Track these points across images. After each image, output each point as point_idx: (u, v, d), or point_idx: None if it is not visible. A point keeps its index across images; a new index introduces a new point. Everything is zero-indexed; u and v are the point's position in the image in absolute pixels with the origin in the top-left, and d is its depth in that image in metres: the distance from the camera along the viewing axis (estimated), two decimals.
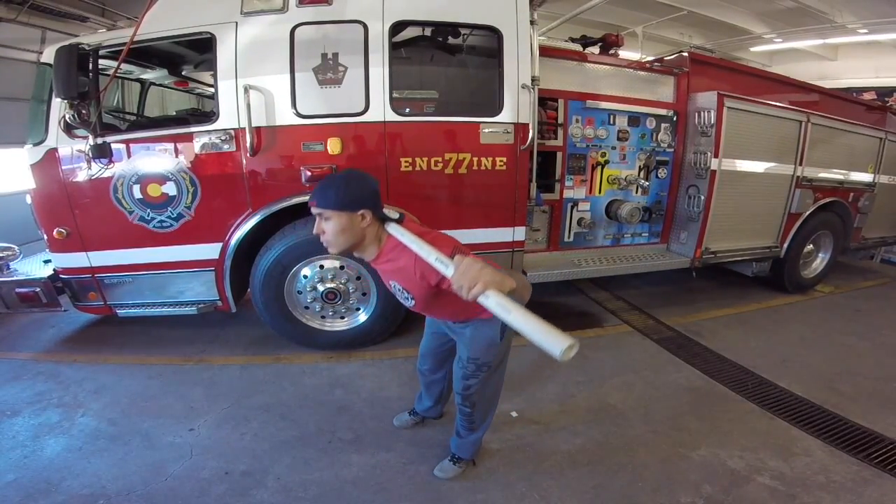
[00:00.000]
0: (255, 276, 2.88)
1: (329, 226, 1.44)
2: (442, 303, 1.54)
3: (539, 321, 1.04)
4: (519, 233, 3.09)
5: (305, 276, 2.91)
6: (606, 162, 3.57)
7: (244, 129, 2.61)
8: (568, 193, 3.51)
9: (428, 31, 3.10)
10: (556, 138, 3.35)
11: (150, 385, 2.72)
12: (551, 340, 0.99)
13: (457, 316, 1.70)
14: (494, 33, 2.81)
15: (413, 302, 1.56)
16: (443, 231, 1.62)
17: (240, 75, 2.61)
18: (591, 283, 4.47)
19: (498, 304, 1.10)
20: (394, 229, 1.48)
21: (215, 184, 2.73)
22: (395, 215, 1.53)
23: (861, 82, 10.91)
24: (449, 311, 1.66)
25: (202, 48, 3.07)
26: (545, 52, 3.14)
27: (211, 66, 2.67)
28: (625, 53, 4.42)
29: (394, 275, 1.54)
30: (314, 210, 1.46)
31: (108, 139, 2.63)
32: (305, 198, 2.74)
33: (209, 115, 2.76)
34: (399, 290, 1.57)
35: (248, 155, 2.67)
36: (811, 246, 4.47)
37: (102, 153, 2.60)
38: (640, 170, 3.69)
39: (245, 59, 2.61)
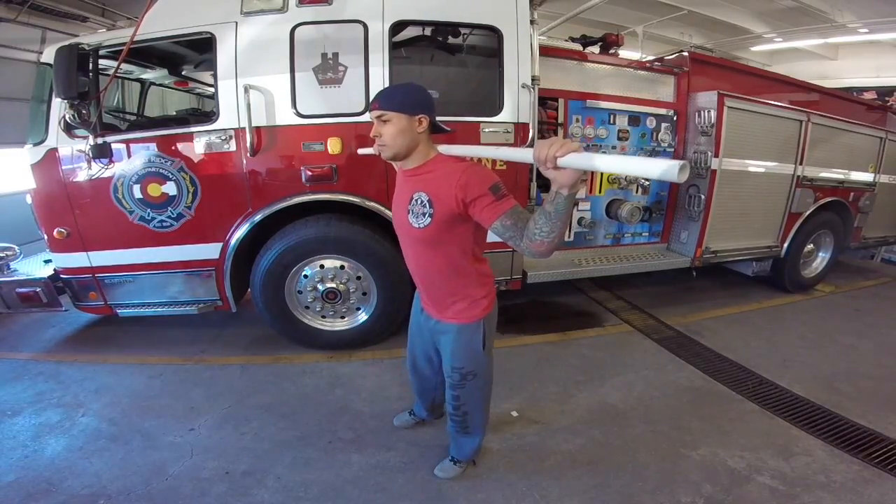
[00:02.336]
0: (255, 276, 2.87)
1: (388, 128, 1.47)
2: (449, 239, 1.52)
3: (634, 158, 0.99)
4: None
5: (306, 276, 2.91)
6: None
7: (244, 128, 2.61)
8: None
9: (428, 31, 3.10)
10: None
11: (151, 385, 2.72)
12: (660, 165, 0.88)
13: (446, 277, 1.62)
14: (494, 33, 2.81)
15: (429, 220, 1.47)
16: None
17: (240, 75, 2.61)
18: (591, 283, 4.47)
19: (582, 159, 1.02)
20: (450, 148, 1.55)
21: (215, 184, 2.73)
22: (447, 128, 1.59)
23: (861, 82, 10.90)
24: (446, 258, 1.58)
25: (202, 48, 3.07)
26: (545, 51, 3.14)
27: (211, 66, 2.67)
28: (625, 53, 4.41)
29: (427, 184, 1.49)
30: (374, 113, 1.49)
31: (109, 139, 2.63)
32: (305, 198, 2.78)
33: (209, 115, 2.76)
34: (422, 202, 1.48)
35: (248, 155, 2.67)
36: (811, 245, 4.46)
37: (102, 153, 2.60)
38: None
39: (245, 59, 2.61)
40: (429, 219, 1.48)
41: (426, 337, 1.87)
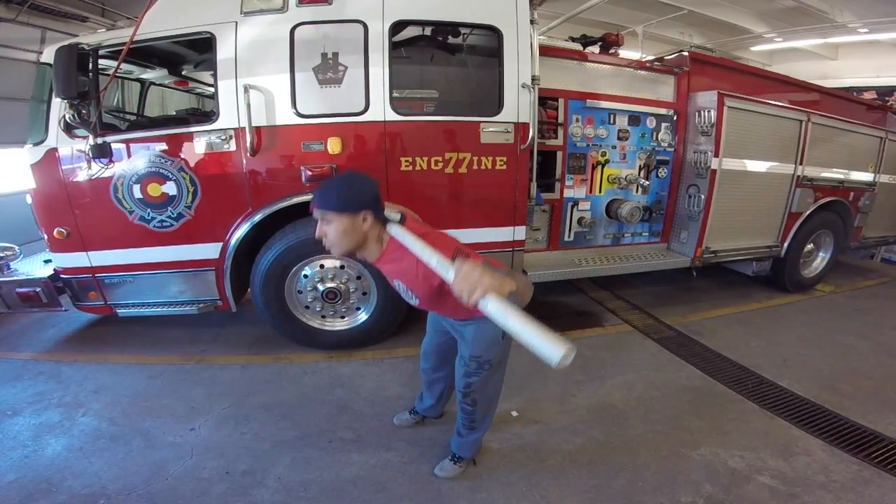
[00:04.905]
0: (255, 276, 2.87)
1: (331, 228, 1.45)
2: (446, 301, 1.54)
3: (537, 328, 1.04)
4: (519, 232, 3.09)
5: (306, 276, 2.91)
6: (607, 161, 3.57)
7: (244, 128, 2.61)
8: (568, 193, 3.51)
9: (428, 31, 3.10)
10: (556, 138, 3.35)
11: (151, 385, 2.72)
12: (548, 348, 0.99)
13: (460, 314, 1.71)
14: (494, 33, 2.80)
15: (417, 301, 1.59)
16: (444, 231, 1.63)
17: (240, 75, 2.61)
18: (591, 283, 4.47)
19: (496, 311, 1.10)
20: (395, 231, 1.48)
21: (215, 183, 2.73)
22: (397, 216, 1.53)
23: (861, 82, 10.90)
24: (453, 308, 1.65)
25: (202, 48, 3.07)
26: (545, 51, 3.13)
27: (211, 65, 2.67)
28: (625, 53, 4.41)
29: (397, 275, 1.55)
30: (316, 213, 1.46)
31: (108, 139, 2.63)
32: (305, 197, 2.77)
33: (209, 115, 2.76)
34: (403, 289, 1.59)
35: (248, 155, 2.66)
36: (811, 245, 4.47)
37: (102, 153, 2.60)
38: (640, 169, 3.69)
39: (245, 59, 2.61)
40: (416, 300, 1.60)
41: (444, 326, 1.91)
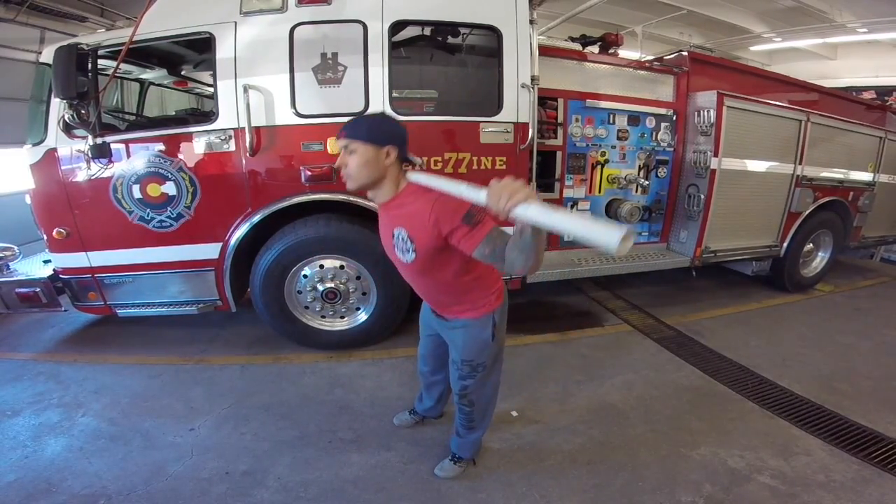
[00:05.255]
0: (255, 276, 2.87)
1: (353, 158, 1.44)
2: (440, 264, 1.51)
3: (586, 219, 0.95)
4: None
5: (305, 276, 2.91)
6: (606, 161, 3.57)
7: (244, 128, 2.61)
8: (568, 193, 3.51)
9: (427, 31, 3.10)
10: (555, 138, 3.35)
11: (151, 385, 2.72)
12: (605, 235, 0.89)
13: (447, 292, 1.64)
14: (494, 33, 2.81)
15: (413, 255, 1.49)
16: None
17: (239, 75, 2.61)
18: (590, 283, 4.47)
19: (538, 212, 1.01)
20: (415, 177, 1.49)
21: (215, 184, 2.73)
22: (419, 160, 1.53)
23: (861, 81, 10.91)
24: (442, 280, 1.59)
25: (201, 48, 3.07)
26: (545, 51, 3.13)
27: (210, 65, 2.67)
28: (624, 53, 4.41)
29: (403, 220, 1.49)
30: (341, 142, 1.46)
31: (108, 139, 2.63)
32: (305, 198, 2.77)
33: (209, 115, 2.76)
34: (403, 238, 1.50)
35: (247, 155, 2.66)
36: (811, 245, 4.47)
37: (102, 153, 2.60)
38: (639, 169, 3.69)
39: (244, 59, 2.61)
40: (413, 253, 1.49)
41: (436, 329, 1.88)
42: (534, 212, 1.01)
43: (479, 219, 1.33)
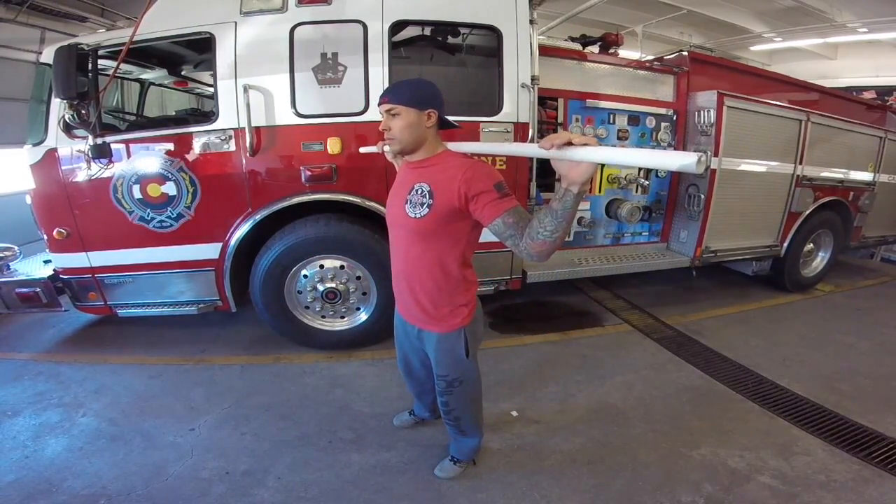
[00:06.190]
0: (255, 276, 2.87)
1: (397, 122, 1.49)
2: (445, 234, 1.50)
3: (648, 150, 0.97)
4: None
5: (305, 276, 2.91)
6: None
7: (244, 128, 2.61)
8: None
9: (427, 31, 3.10)
10: None
11: (151, 385, 2.72)
12: (678, 160, 0.89)
13: (430, 280, 1.59)
14: (494, 32, 2.81)
15: (427, 211, 1.46)
16: None
17: (239, 75, 2.61)
18: (591, 282, 4.46)
19: (595, 152, 1.02)
20: (454, 145, 1.59)
21: (215, 184, 2.73)
22: (457, 124, 1.62)
23: (861, 81, 10.91)
24: (435, 259, 1.55)
25: (201, 48, 3.06)
26: (545, 51, 3.13)
27: (210, 65, 2.67)
28: (624, 53, 4.41)
29: (429, 176, 1.49)
30: (384, 107, 1.50)
31: (108, 139, 2.63)
32: (305, 198, 2.77)
33: (209, 115, 2.76)
34: (423, 192, 1.48)
35: (247, 155, 2.66)
36: (811, 245, 4.47)
37: (102, 153, 2.60)
38: (639, 169, 3.69)
39: (244, 59, 2.61)
40: (427, 209, 1.47)
41: (414, 343, 1.83)
42: (589, 151, 1.02)
43: (508, 192, 1.38)
